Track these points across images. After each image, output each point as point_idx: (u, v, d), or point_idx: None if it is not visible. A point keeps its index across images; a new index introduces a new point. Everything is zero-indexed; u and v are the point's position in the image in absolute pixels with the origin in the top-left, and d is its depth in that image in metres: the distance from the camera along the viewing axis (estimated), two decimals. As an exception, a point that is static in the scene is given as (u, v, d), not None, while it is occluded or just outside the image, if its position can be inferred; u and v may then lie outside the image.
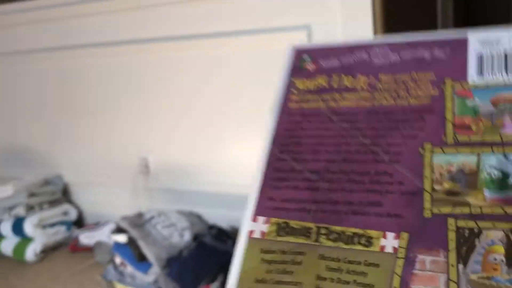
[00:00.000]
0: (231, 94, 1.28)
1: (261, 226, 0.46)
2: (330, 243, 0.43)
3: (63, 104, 1.55)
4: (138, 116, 1.41)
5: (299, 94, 0.53)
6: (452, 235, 0.40)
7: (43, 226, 1.48)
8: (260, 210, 0.47)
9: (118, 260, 1.19)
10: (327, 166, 0.47)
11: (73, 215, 1.57)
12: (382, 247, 0.41)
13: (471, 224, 0.40)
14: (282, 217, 0.46)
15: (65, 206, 1.57)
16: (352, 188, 0.45)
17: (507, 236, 0.38)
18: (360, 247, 0.42)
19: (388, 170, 0.44)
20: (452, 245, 0.39)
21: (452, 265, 0.38)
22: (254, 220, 0.46)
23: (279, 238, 0.44)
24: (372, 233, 0.42)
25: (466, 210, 0.40)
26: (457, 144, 0.44)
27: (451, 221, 0.40)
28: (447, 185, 0.42)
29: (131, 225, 1.17)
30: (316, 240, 0.43)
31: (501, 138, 0.42)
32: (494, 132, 0.43)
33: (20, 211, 1.49)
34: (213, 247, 1.18)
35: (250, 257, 0.44)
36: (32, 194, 1.52)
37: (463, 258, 0.38)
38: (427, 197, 0.42)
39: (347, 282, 0.40)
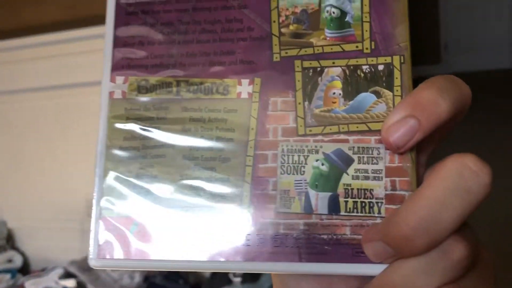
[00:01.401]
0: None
1: (121, 86, 0.46)
2: (190, 95, 0.45)
3: (4, 148, 1.42)
4: (83, 158, 1.33)
5: None
6: (298, 76, 0.44)
7: (-15, 275, 1.35)
8: (117, 70, 0.46)
9: (66, 305, 1.16)
10: (179, 17, 0.46)
11: (18, 262, 1.50)
12: (239, 94, 0.44)
13: (315, 63, 0.44)
14: (140, 75, 0.46)
15: (9, 253, 1.49)
16: (206, 38, 0.45)
17: (344, 71, 0.43)
18: (218, 96, 0.45)
19: (237, 16, 0.45)
20: (298, 85, 0.44)
21: (299, 103, 0.43)
22: (112, 80, 0.46)
23: (141, 96, 0.46)
24: (229, 81, 0.45)
25: (310, 50, 0.44)
26: None
27: (297, 63, 0.44)
28: (292, 28, 0.45)
29: (80, 269, 1.16)
30: (177, 94, 0.45)
31: (340, -25, 0.45)
32: None
33: (-40, 260, 1.33)
34: (164, 287, 1.17)
35: (115, 117, 0.45)
36: (-27, 242, 1.35)
37: (308, 96, 0.43)
38: (275, 41, 0.44)
39: (210, 129, 0.44)
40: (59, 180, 1.47)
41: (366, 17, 0.44)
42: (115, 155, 0.45)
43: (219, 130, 0.44)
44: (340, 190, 0.41)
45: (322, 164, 0.42)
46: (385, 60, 0.43)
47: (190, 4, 0.46)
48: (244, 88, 0.44)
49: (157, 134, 0.45)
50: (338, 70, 0.43)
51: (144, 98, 0.45)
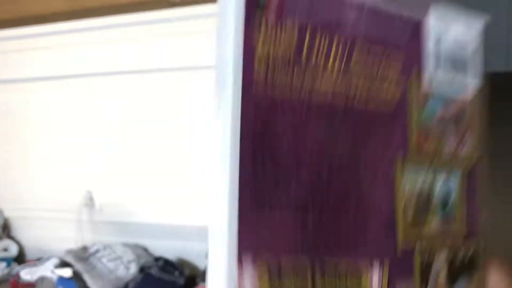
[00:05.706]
0: (169, 128, 1.29)
1: (249, 272, 0.36)
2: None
3: (3, 137, 1.49)
4: (82, 149, 1.38)
5: (261, 65, 0.37)
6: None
7: (-19, 263, 1.37)
8: (245, 247, 0.35)
9: (62, 295, 1.15)
10: (313, 185, 0.39)
11: (13, 251, 1.50)
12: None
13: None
14: (271, 259, 0.36)
15: (5, 242, 1.49)
16: (339, 217, 0.40)
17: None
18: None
19: (369, 192, 0.41)
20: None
21: None
22: (240, 263, 0.34)
23: None
24: (361, 270, 0.40)
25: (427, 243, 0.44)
26: (419, 159, 0.44)
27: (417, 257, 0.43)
28: (411, 212, 0.44)
29: (76, 258, 1.16)
30: (313, 286, 0.38)
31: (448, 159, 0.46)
32: (441, 147, 0.45)
33: (-43, 249, 1.34)
34: (160, 278, 1.17)
35: None
36: (-30, 232, 1.36)
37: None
38: (400, 227, 0.43)
39: None
40: (57, 171, 1.42)
41: None
42: None
43: None
44: None
45: None
46: None
47: (325, 168, 0.39)
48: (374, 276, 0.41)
49: None
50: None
51: None
